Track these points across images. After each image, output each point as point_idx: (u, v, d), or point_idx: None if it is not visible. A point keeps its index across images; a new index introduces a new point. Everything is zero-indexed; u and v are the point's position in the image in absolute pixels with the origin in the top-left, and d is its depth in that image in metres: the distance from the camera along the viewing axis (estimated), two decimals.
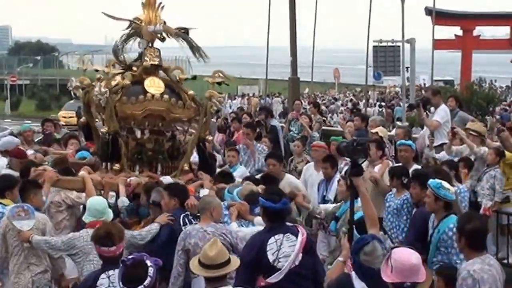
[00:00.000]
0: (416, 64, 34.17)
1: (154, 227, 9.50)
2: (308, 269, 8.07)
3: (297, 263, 7.91)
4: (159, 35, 12.11)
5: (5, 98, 71.34)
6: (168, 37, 12.18)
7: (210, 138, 12.81)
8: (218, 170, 12.95)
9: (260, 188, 10.87)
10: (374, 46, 35.21)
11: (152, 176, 11.63)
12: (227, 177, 11.75)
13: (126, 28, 12.20)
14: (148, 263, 6.40)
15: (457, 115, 15.93)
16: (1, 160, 13.24)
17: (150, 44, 12.13)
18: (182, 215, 9.65)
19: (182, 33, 12.27)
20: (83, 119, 12.61)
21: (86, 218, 9.22)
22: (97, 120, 12.26)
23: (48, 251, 9.37)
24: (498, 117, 32.01)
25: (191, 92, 12.07)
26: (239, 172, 13.28)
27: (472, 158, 13.50)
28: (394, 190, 11.40)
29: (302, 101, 32.84)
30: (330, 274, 7.57)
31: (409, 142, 13.19)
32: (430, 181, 9.26)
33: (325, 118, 21.18)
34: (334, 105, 51.97)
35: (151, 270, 6.33)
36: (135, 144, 11.89)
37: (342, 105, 52.36)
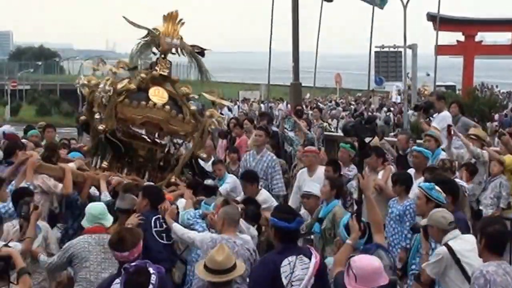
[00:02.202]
0: (417, 69, 34.20)
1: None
2: None
3: (309, 287, 7.52)
4: (174, 49, 12.35)
5: (5, 103, 71.24)
6: (182, 53, 12.37)
7: (204, 156, 12.82)
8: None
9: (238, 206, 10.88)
10: (376, 52, 35.26)
11: (137, 180, 11.70)
12: (210, 192, 11.67)
13: (144, 37, 12.32)
14: (151, 270, 6.35)
15: (459, 120, 15.82)
16: None
17: (163, 56, 12.32)
18: (154, 217, 9.52)
19: (196, 53, 12.52)
20: (83, 117, 12.70)
21: (84, 224, 9.11)
22: (96, 117, 12.24)
23: (51, 271, 9.19)
24: (496, 123, 32.03)
25: (193, 107, 12.24)
26: (229, 181, 13.41)
27: (472, 161, 13.41)
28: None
29: (304, 106, 32.85)
30: (338, 257, 7.37)
31: (421, 148, 13.15)
32: (422, 183, 9.23)
33: (326, 123, 21.11)
34: (335, 110, 51.87)
35: (153, 278, 6.29)
36: (128, 147, 11.99)
37: (344, 110, 52.21)
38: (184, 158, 12.36)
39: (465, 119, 16.22)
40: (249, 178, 12.43)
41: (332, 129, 25.52)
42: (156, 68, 12.16)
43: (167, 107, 11.87)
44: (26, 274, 7.63)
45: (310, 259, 7.57)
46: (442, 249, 8.24)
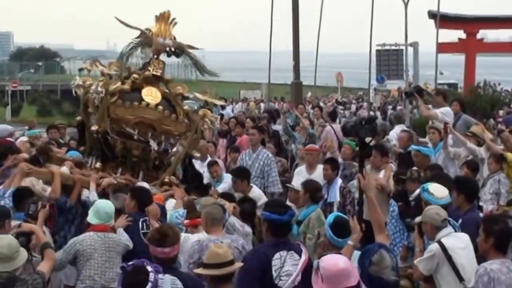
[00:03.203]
0: (419, 67, 34.07)
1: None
2: None
3: (296, 283, 7.52)
4: (167, 49, 12.41)
5: (6, 104, 71.38)
6: (175, 53, 12.40)
7: (197, 155, 12.82)
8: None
9: (230, 205, 10.84)
10: (377, 50, 35.13)
11: (130, 180, 11.76)
12: (201, 190, 11.58)
13: (136, 38, 12.43)
14: (149, 268, 6.38)
15: (460, 118, 15.74)
16: None
17: (156, 56, 12.36)
18: (141, 219, 9.53)
19: (190, 52, 12.62)
20: (79, 118, 12.75)
21: (92, 220, 9.06)
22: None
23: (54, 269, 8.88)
24: (498, 120, 31.89)
25: (186, 107, 12.31)
26: (227, 181, 13.30)
27: (470, 157, 13.35)
28: None
29: (305, 105, 32.80)
30: None
31: (418, 147, 13.11)
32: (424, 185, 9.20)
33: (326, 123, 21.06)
34: (336, 109, 51.84)
35: (152, 276, 6.30)
36: (122, 147, 12.04)
37: (345, 109, 52.22)
38: (179, 157, 12.44)
39: (467, 116, 16.16)
40: (240, 174, 12.59)
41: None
42: (149, 68, 12.18)
43: (160, 107, 11.92)
44: (49, 248, 7.87)
45: (300, 256, 7.59)
46: (434, 246, 8.21)
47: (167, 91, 12.34)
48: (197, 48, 12.78)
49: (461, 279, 7.91)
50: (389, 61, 34.54)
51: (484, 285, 7.11)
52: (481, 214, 9.96)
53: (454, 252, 8.01)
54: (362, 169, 8.19)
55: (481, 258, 7.85)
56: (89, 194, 10.77)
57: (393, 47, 34.60)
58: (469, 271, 7.81)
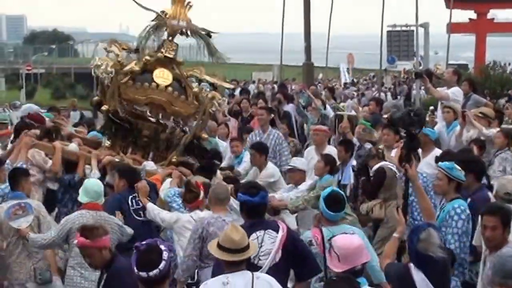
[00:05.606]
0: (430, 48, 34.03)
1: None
2: (287, 265, 7.83)
3: (277, 259, 7.68)
4: (182, 31, 12.42)
5: (20, 87, 71.47)
6: (190, 35, 12.50)
7: (205, 136, 12.93)
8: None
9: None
10: (388, 31, 35.10)
11: (137, 159, 11.92)
12: (207, 171, 11.77)
13: (152, 20, 12.42)
14: (162, 247, 6.38)
15: (471, 98, 15.82)
16: None
17: (170, 38, 12.41)
18: (130, 196, 9.87)
19: (204, 35, 12.59)
20: (96, 98, 12.90)
21: (83, 199, 9.18)
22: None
23: (47, 247, 9.28)
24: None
25: (195, 89, 12.31)
26: (247, 159, 13.31)
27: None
28: None
29: (317, 86, 32.93)
30: (388, 251, 7.46)
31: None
32: (440, 163, 9.26)
33: (337, 104, 21.16)
34: (348, 90, 51.84)
35: (165, 254, 6.30)
36: (135, 126, 12.19)
37: (357, 90, 52.19)
38: (186, 138, 12.42)
39: (477, 96, 16.17)
40: (259, 148, 12.78)
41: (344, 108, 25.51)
42: (162, 50, 12.27)
43: (170, 88, 11.95)
44: None
45: (277, 232, 7.74)
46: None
47: (179, 72, 12.41)
48: (209, 31, 12.80)
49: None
50: (399, 42, 34.48)
51: None
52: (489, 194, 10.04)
53: None
54: (410, 159, 8.29)
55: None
56: (92, 172, 10.91)
57: (404, 28, 34.56)
58: None
